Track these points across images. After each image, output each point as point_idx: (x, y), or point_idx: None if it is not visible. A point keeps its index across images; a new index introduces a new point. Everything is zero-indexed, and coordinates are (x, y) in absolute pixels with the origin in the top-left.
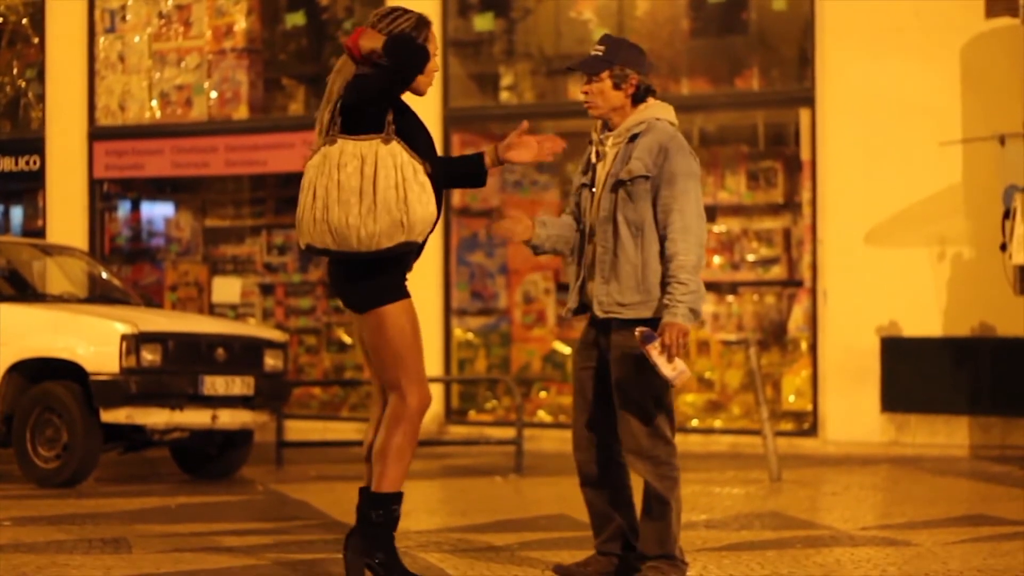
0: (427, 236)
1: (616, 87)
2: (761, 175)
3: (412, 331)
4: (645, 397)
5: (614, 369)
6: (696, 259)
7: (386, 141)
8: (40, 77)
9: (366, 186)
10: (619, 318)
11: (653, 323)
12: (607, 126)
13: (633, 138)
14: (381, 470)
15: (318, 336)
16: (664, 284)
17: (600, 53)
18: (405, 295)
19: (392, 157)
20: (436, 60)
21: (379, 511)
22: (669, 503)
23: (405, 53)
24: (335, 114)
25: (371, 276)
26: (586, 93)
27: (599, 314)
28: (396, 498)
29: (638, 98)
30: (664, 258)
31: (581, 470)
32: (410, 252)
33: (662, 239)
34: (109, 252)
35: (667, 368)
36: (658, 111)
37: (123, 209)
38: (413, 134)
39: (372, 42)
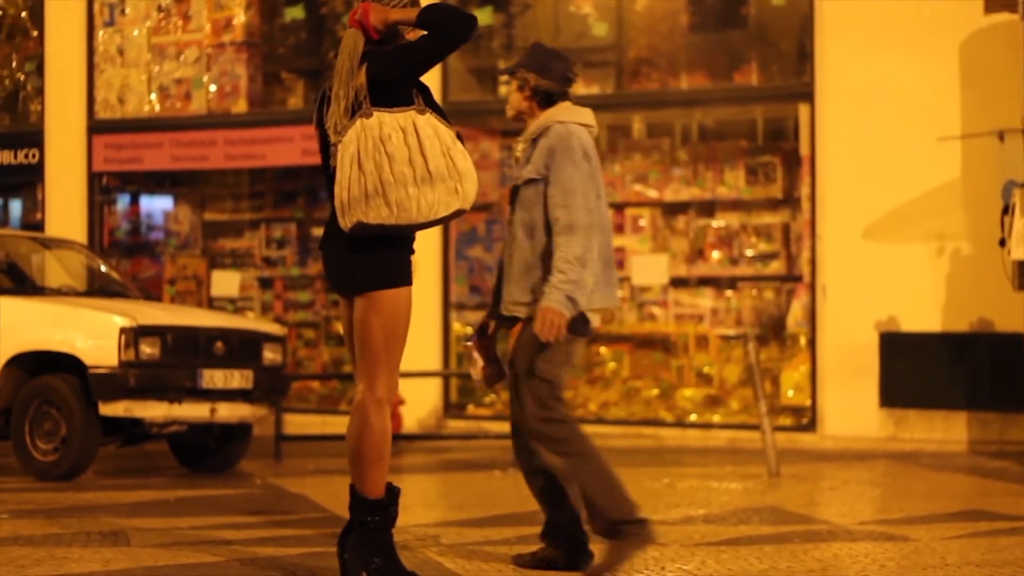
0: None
1: (519, 89)
2: (760, 170)
3: (405, 320)
4: (534, 381)
5: (513, 359)
6: (581, 251)
7: (421, 112)
8: (39, 70)
9: (415, 156)
10: (519, 317)
11: None
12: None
13: (535, 142)
14: (362, 474)
15: (317, 330)
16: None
17: (520, 58)
18: (410, 281)
19: (431, 127)
20: None
21: (375, 516)
22: (577, 477)
23: (454, 20)
24: (363, 88)
25: (384, 255)
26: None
27: (504, 312)
28: (392, 499)
29: (544, 102)
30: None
31: (516, 457)
32: (407, 235)
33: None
34: (108, 245)
35: (475, 369)
36: (562, 114)
37: (122, 203)
38: (434, 107)
39: (395, 14)
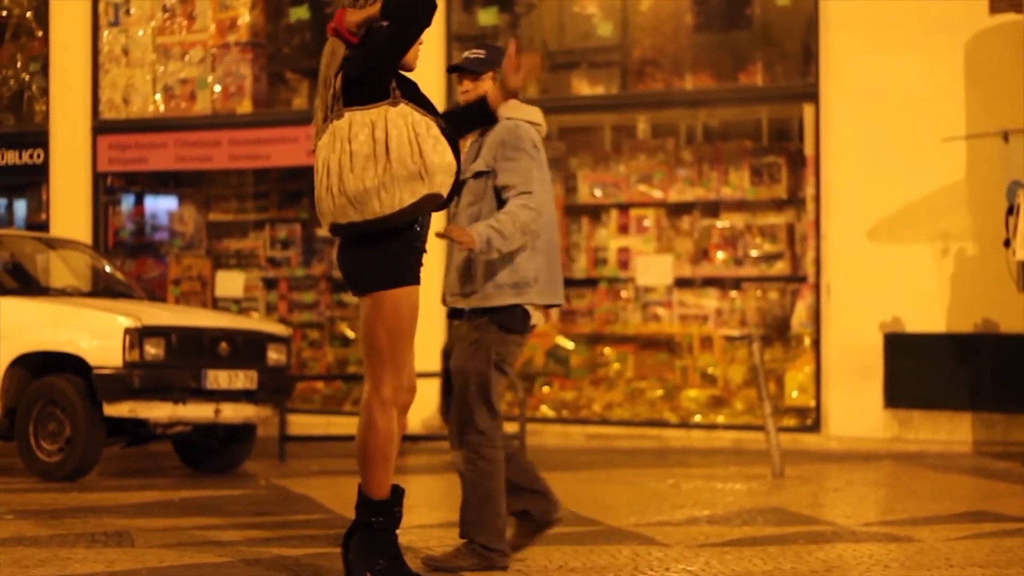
0: (451, 192)
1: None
2: (765, 170)
3: (410, 320)
4: (468, 385)
5: (452, 357)
6: (527, 219)
7: (394, 104)
8: (44, 71)
9: (379, 149)
10: (455, 308)
11: (486, 313)
12: None
13: (482, 136)
14: (366, 475)
15: (321, 330)
16: None
17: (482, 55)
18: (415, 281)
19: (403, 117)
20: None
21: (379, 517)
22: (470, 485)
23: (412, 5)
24: (337, 92)
25: (385, 255)
26: (466, 92)
27: (447, 304)
28: (396, 500)
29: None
30: None
31: None
32: (414, 228)
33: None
34: (113, 246)
35: None
36: (511, 111)
37: (127, 203)
38: (418, 99)
39: (363, 12)
